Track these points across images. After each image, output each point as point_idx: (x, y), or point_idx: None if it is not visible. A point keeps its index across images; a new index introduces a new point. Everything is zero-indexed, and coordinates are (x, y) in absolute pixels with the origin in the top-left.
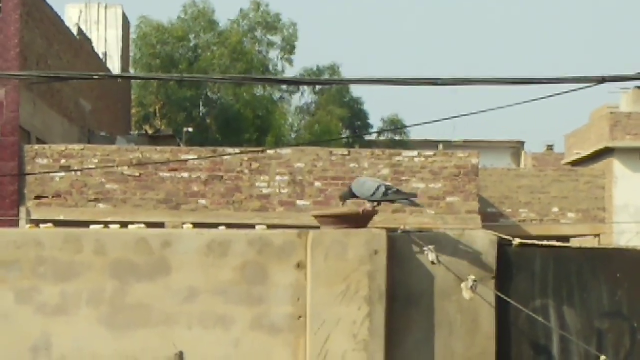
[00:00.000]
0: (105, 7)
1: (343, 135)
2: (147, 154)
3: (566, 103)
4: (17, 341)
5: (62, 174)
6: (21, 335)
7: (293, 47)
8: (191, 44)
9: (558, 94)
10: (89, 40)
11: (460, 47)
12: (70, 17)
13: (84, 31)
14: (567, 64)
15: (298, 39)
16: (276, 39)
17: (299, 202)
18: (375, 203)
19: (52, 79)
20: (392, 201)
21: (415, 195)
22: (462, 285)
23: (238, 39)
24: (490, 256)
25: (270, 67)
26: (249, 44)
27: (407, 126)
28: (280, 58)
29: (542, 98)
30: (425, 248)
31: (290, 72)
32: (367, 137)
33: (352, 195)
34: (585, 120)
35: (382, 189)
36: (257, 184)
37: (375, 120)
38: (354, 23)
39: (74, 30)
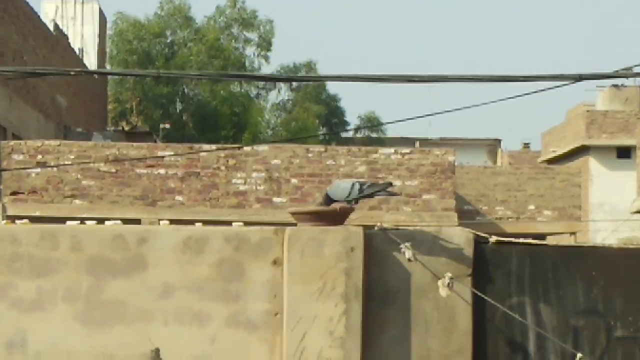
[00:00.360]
0: (82, 3)
1: (320, 132)
2: (123, 150)
3: (543, 101)
4: None
5: (39, 170)
6: None
7: (270, 44)
8: (168, 41)
9: (534, 92)
10: (65, 36)
11: (438, 45)
12: (47, 12)
13: (61, 27)
14: (545, 61)
15: (274, 36)
16: (253, 35)
17: (275, 199)
18: (353, 202)
19: (28, 74)
20: (370, 196)
21: (390, 185)
22: (439, 282)
23: (215, 35)
24: (467, 254)
25: (247, 64)
26: (225, 41)
27: (384, 123)
28: (257, 55)
29: (519, 96)
30: (402, 245)
31: (267, 69)
32: (343, 135)
33: (329, 200)
34: (562, 119)
35: (357, 186)
36: (233, 180)
37: (352, 118)
38: (330, 20)
39: (51, 26)
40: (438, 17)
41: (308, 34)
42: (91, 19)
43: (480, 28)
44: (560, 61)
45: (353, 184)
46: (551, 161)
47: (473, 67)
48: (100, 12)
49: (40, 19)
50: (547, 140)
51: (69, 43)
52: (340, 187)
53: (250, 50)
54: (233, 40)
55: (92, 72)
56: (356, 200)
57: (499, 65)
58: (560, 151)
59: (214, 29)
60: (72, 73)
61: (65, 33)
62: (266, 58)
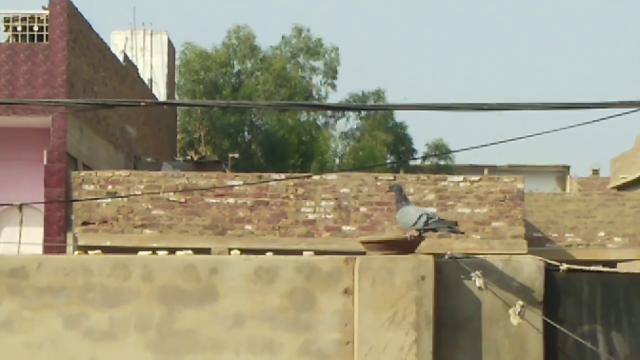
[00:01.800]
0: (151, 34)
1: (388, 161)
2: (193, 180)
3: (612, 127)
4: None
5: (109, 200)
6: None
7: (336, 72)
8: (234, 71)
9: (604, 118)
10: (134, 67)
11: (506, 72)
12: (116, 44)
13: (130, 58)
14: (615, 88)
15: (340, 63)
16: (319, 64)
17: (344, 227)
18: (422, 231)
19: (98, 106)
20: (434, 230)
21: (456, 224)
22: (510, 311)
23: (281, 65)
24: (537, 282)
25: (314, 93)
26: (292, 70)
27: (453, 151)
28: (323, 83)
29: (588, 122)
30: (472, 274)
31: (333, 97)
32: (412, 163)
33: (402, 196)
34: (632, 145)
35: (424, 218)
36: (302, 209)
37: (420, 145)
38: (397, 47)
39: (120, 57)
40: (506, 44)
41: (374, 61)
42: (160, 49)
43: (550, 55)
44: (629, 88)
45: (420, 215)
46: (621, 187)
47: (542, 94)
48: (169, 42)
49: (110, 50)
50: (617, 166)
51: (138, 74)
52: (409, 214)
53: (316, 79)
54: (299, 69)
55: (162, 103)
56: (420, 231)
57: (568, 92)
58: (631, 177)
59: (281, 58)
60: (142, 104)
61: (135, 64)
62: (333, 86)
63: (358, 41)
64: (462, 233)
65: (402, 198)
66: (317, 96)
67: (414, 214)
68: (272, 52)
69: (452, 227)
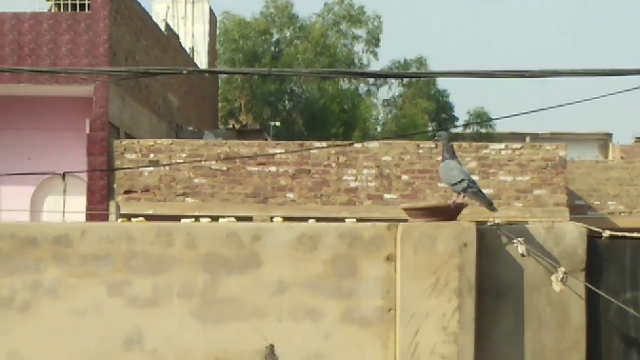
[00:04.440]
0: (193, 3)
1: (430, 129)
2: (234, 148)
3: None
4: (110, 334)
5: (151, 168)
6: (114, 328)
7: (378, 40)
8: (274, 39)
9: None
10: (176, 36)
11: (549, 38)
12: (158, 13)
13: (172, 27)
14: None
15: (383, 31)
16: (361, 32)
17: (386, 195)
18: (462, 196)
19: (140, 74)
20: (470, 197)
21: (491, 204)
22: (552, 277)
23: (321, 32)
24: (580, 249)
25: (356, 61)
26: (332, 38)
27: (495, 119)
28: (365, 51)
29: (631, 89)
30: (514, 241)
31: (375, 65)
32: (453, 130)
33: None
34: None
35: (464, 184)
36: (344, 177)
37: (461, 113)
38: (439, 15)
39: (162, 26)
40: (549, 11)
41: (417, 29)
42: (201, 18)
43: (592, 21)
44: None
45: (462, 180)
46: None
47: (585, 61)
48: (211, 11)
49: (152, 19)
50: None
51: (180, 43)
52: (452, 172)
53: (358, 47)
54: (341, 37)
55: (204, 71)
56: (458, 193)
57: (611, 59)
58: None
59: (320, 26)
60: (184, 72)
61: (176, 33)
62: (375, 54)
63: (401, 9)
64: (496, 210)
65: (448, 149)
66: (359, 64)
67: (457, 175)
68: (312, 20)
69: (488, 203)
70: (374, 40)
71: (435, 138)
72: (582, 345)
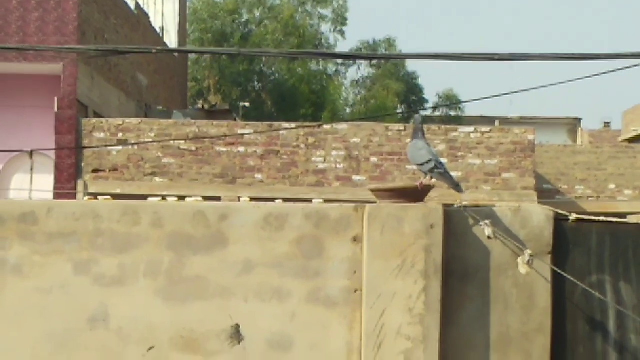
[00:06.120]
0: None
1: (398, 111)
2: (203, 128)
3: (624, 79)
4: (75, 312)
5: (119, 147)
6: (79, 307)
7: (345, 20)
8: (243, 20)
9: (615, 70)
10: (146, 15)
11: (519, 22)
12: None
13: (142, 6)
14: (628, 39)
15: (349, 10)
16: (327, 12)
17: (355, 177)
18: (429, 177)
19: (110, 53)
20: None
21: (458, 185)
22: (519, 260)
23: (290, 13)
24: (546, 231)
25: (323, 41)
26: (301, 19)
27: (464, 102)
28: (332, 31)
29: (600, 74)
30: (481, 223)
31: (343, 45)
32: (422, 113)
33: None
34: None
35: (431, 164)
36: (313, 159)
37: (431, 96)
38: None
39: (132, 5)
40: None
41: (383, 8)
42: None
43: (562, 5)
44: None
45: (429, 160)
46: (632, 140)
47: (554, 45)
48: None
49: None
50: (629, 119)
51: (149, 22)
52: (420, 152)
53: (325, 27)
54: (308, 18)
55: (173, 51)
56: (425, 173)
57: (580, 43)
58: None
59: (288, 6)
60: (153, 51)
61: (146, 12)
62: (342, 33)
63: None
64: (463, 192)
65: (418, 130)
66: (326, 44)
67: (425, 155)
68: (280, 0)
69: (455, 184)
70: (340, 20)
71: (413, 121)
72: (547, 328)
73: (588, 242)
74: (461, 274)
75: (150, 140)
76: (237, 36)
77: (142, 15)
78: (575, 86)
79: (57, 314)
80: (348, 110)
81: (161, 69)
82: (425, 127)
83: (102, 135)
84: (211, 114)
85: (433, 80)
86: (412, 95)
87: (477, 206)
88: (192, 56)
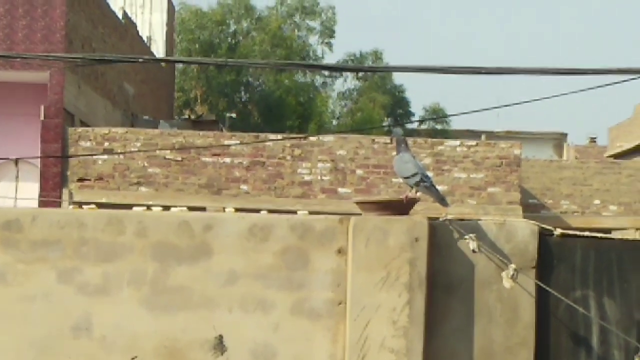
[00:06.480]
0: None
1: (385, 124)
2: (190, 138)
3: (611, 95)
4: (59, 320)
5: (105, 157)
6: (63, 315)
7: (332, 32)
8: (230, 30)
9: (602, 85)
10: (134, 25)
11: (506, 36)
12: (116, 0)
13: (129, 15)
14: (614, 55)
15: (337, 23)
16: (315, 24)
17: (340, 189)
18: (415, 190)
19: (96, 61)
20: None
21: (443, 199)
22: (503, 274)
23: (277, 25)
24: (531, 246)
25: (311, 53)
26: (288, 30)
27: (451, 115)
28: (320, 43)
29: (586, 90)
30: (466, 236)
31: (330, 57)
32: (409, 126)
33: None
34: (630, 114)
35: (417, 178)
36: (299, 170)
37: (417, 109)
38: (395, 8)
39: (119, 14)
40: (507, 8)
41: (371, 22)
42: (159, 7)
43: (550, 21)
44: (629, 55)
45: (415, 174)
46: (618, 156)
47: (541, 60)
48: (169, 0)
49: (110, 7)
50: (614, 134)
51: (137, 31)
52: (406, 165)
53: (313, 39)
54: (296, 29)
55: (160, 60)
56: (411, 187)
57: (567, 59)
58: (627, 146)
59: (276, 18)
60: (140, 60)
61: (134, 21)
62: (329, 45)
63: (355, 1)
64: (448, 205)
65: (401, 142)
66: (313, 56)
67: (411, 169)
68: (268, 12)
69: (440, 198)
70: (328, 32)
71: (392, 135)
72: (530, 342)
73: (572, 257)
74: (445, 287)
75: (136, 149)
76: (224, 47)
77: (129, 25)
78: (562, 101)
79: (40, 322)
80: (334, 122)
81: (148, 78)
82: (411, 140)
83: (88, 144)
84: (197, 124)
85: (420, 93)
86: (398, 108)
87: (462, 220)
88: (179, 66)
